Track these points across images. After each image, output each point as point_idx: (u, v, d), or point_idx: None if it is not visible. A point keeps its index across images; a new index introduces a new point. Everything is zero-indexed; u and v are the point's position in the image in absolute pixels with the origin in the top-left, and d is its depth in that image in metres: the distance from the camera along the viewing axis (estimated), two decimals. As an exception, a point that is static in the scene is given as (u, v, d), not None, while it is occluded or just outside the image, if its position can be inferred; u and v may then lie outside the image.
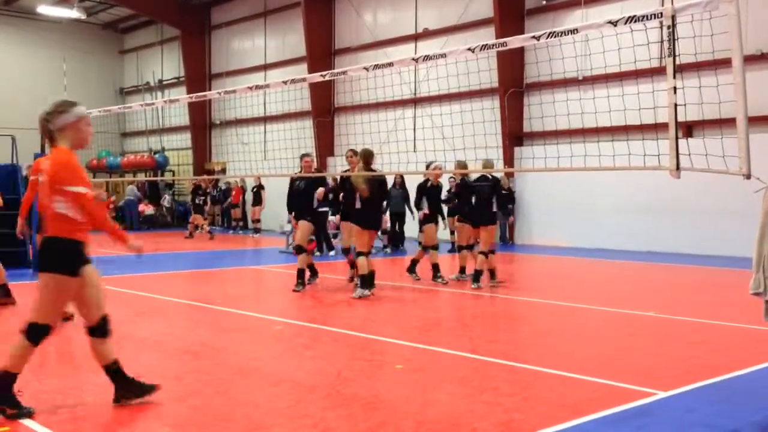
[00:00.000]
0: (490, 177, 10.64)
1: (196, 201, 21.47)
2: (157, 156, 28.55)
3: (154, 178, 28.43)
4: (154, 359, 6.10)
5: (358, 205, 9.47)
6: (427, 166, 11.53)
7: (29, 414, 4.44)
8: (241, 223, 24.58)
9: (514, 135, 19.24)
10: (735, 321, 7.76)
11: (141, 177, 28.93)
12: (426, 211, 11.24)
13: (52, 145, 4.53)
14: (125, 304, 9.03)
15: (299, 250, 10.07)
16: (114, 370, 4.69)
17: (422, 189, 11.38)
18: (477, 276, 10.31)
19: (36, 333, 4.45)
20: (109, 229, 4.57)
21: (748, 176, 4.78)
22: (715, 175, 5.46)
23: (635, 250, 16.46)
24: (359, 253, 9.41)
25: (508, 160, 18.86)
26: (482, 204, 10.58)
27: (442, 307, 9.61)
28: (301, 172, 10.31)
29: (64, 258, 4.42)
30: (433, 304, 9.68)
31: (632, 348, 6.68)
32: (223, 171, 27.55)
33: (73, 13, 28.24)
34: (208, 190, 23.09)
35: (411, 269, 11.44)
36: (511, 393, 5.05)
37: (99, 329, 4.61)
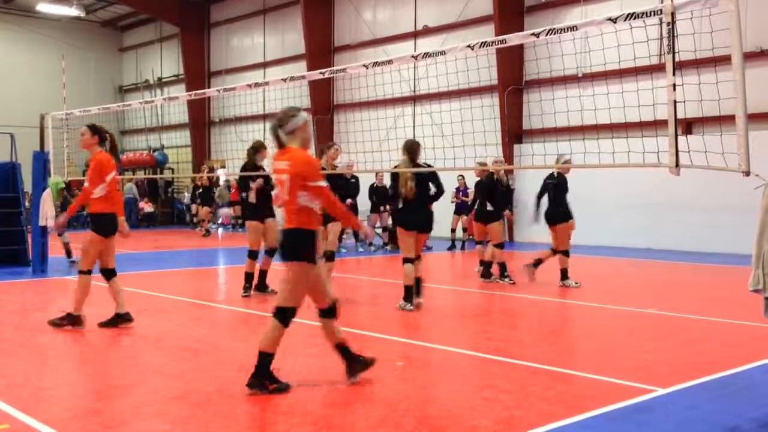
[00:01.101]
0: (555, 175, 10.29)
1: (196, 193, 21.68)
2: (156, 154, 28.54)
3: (154, 176, 28.43)
4: (155, 357, 6.10)
5: (400, 204, 8.50)
6: (557, 160, 10.53)
7: (287, 388, 4.93)
8: (240, 221, 24.57)
9: (514, 132, 19.25)
10: (735, 318, 7.76)
11: (140, 175, 28.93)
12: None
13: (281, 146, 5.06)
14: (126, 302, 9.03)
15: (252, 255, 9.28)
16: (342, 348, 5.23)
17: (550, 184, 10.40)
18: (564, 273, 10.25)
19: (285, 315, 4.98)
20: (345, 215, 5.19)
21: (748, 173, 4.79)
22: (715, 172, 5.47)
23: (635, 247, 16.47)
24: (405, 260, 8.37)
25: (508, 158, 18.86)
26: (549, 202, 10.32)
27: (441, 304, 9.61)
28: (247, 168, 9.47)
29: (307, 247, 4.95)
30: (433, 302, 9.67)
31: (632, 345, 6.68)
32: (223, 168, 27.53)
33: (72, 11, 28.24)
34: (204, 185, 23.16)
35: (534, 264, 10.57)
36: (511, 390, 5.05)
37: (330, 311, 5.17)
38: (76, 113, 11.68)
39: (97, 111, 11.72)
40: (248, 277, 9.27)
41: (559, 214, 10.29)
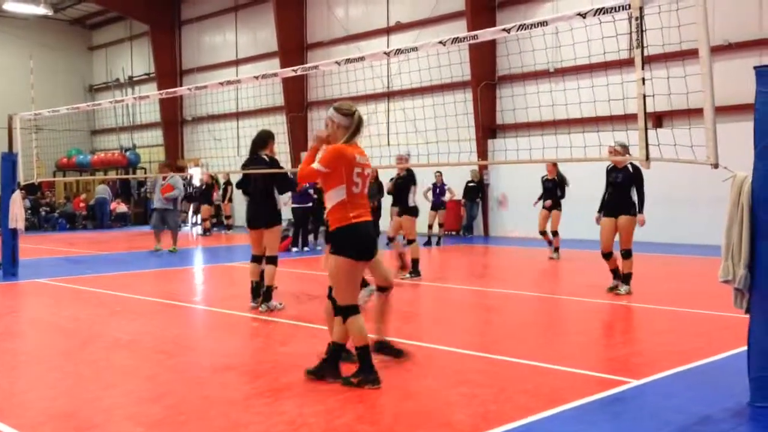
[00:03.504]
0: (631, 167, 9.28)
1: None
2: (128, 153, 28.23)
3: (126, 176, 28.14)
4: (128, 358, 6.04)
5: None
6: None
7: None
8: (214, 220, 24.35)
9: (487, 127, 19.34)
10: (705, 308, 7.87)
11: (112, 175, 28.61)
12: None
13: (350, 141, 5.08)
14: (99, 303, 8.93)
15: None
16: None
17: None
18: (626, 278, 9.14)
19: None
20: None
21: (716, 166, 4.83)
22: (685, 165, 5.52)
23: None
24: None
25: (482, 153, 18.94)
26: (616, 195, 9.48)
27: (416, 300, 9.62)
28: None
29: None
30: (408, 298, 9.69)
31: (605, 337, 6.75)
32: (197, 167, 27.31)
33: (40, 10, 27.83)
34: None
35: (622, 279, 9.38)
36: (487, 384, 5.07)
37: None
38: (45, 113, 11.50)
39: (66, 110, 11.56)
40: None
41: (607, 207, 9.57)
